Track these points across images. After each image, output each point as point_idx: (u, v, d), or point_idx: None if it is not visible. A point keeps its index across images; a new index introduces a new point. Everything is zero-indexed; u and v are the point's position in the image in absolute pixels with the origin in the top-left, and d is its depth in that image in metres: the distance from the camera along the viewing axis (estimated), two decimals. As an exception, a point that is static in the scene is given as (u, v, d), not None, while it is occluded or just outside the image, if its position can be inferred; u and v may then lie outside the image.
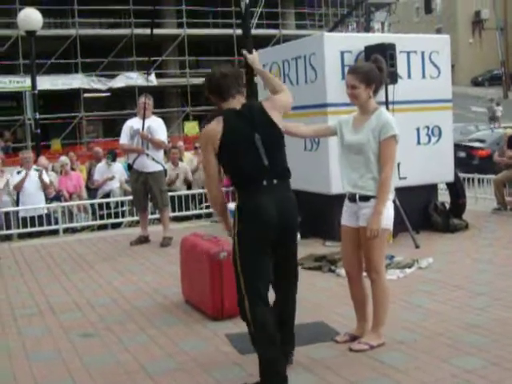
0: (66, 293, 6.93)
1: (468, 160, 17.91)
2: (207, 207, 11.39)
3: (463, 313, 5.54)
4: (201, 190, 11.95)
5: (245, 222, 4.16)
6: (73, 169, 13.74)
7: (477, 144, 19.35)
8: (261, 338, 4.11)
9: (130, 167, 9.56)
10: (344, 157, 4.94)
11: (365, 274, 4.95)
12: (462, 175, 10.88)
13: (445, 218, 9.17)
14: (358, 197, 4.80)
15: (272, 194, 4.20)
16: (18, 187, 11.14)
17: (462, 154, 18.00)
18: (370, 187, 4.74)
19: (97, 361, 4.85)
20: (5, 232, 10.82)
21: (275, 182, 4.25)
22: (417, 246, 8.16)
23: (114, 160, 12.99)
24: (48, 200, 11.64)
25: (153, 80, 31.83)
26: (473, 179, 12.23)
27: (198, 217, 11.94)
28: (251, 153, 4.21)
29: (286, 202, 4.29)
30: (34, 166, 11.60)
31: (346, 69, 7.94)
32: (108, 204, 11.85)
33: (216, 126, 4.22)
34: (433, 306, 5.77)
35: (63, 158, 13.75)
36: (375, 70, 4.82)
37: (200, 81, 30.09)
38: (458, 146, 17.74)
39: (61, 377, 4.57)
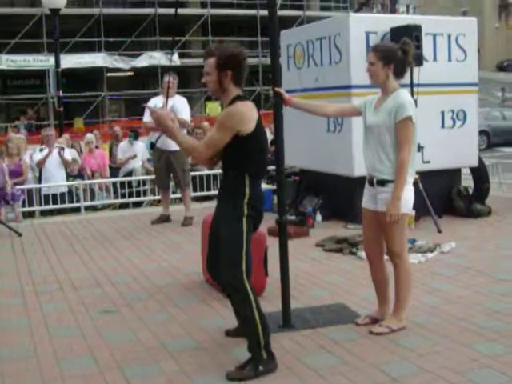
0: (87, 270, 6.97)
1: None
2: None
3: (485, 298, 5.49)
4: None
5: (252, 209, 4.21)
6: (97, 147, 13.75)
7: None
8: (258, 307, 4.18)
9: (152, 146, 9.56)
10: (365, 138, 4.90)
11: (387, 257, 4.93)
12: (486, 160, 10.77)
13: (468, 202, 9.09)
14: (375, 181, 4.76)
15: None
16: (41, 164, 11.20)
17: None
18: (387, 171, 4.68)
19: (117, 337, 4.87)
20: (27, 209, 10.89)
21: None
22: (439, 231, 8.10)
23: (136, 139, 13.00)
24: (71, 177, 11.69)
25: (176, 60, 31.83)
26: (497, 164, 12.12)
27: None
28: (267, 146, 4.44)
29: None
30: (56, 143, 11.65)
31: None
32: (130, 183, 11.89)
33: (253, 111, 4.19)
34: (454, 291, 5.73)
35: (89, 136, 13.76)
36: (397, 51, 4.74)
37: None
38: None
39: (81, 352, 4.60)
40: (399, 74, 4.81)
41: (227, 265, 4.17)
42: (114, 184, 11.98)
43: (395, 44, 4.85)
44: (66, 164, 11.38)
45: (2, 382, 4.17)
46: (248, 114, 4.15)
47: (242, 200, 4.17)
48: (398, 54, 4.74)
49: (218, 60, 4.16)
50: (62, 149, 11.45)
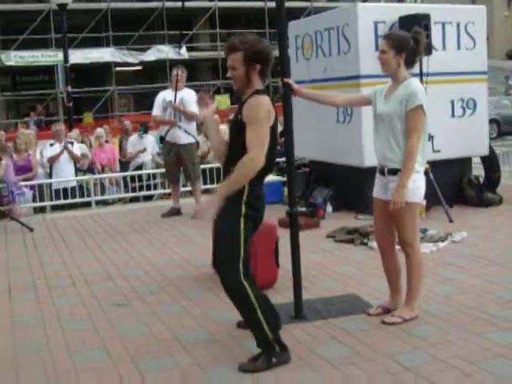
0: (98, 264, 6.99)
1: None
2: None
3: (497, 287, 5.48)
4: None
5: (251, 208, 4.10)
6: (107, 141, 13.77)
7: None
8: (265, 301, 4.14)
9: (162, 139, 9.57)
10: (375, 127, 4.89)
11: (398, 247, 4.91)
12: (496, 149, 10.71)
13: (478, 191, 9.06)
14: (386, 170, 4.74)
15: None
16: (53, 160, 11.21)
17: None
18: (398, 160, 4.67)
19: (130, 330, 4.89)
20: (38, 204, 10.93)
21: None
22: (450, 220, 8.07)
23: (145, 132, 13.02)
24: (81, 172, 11.71)
25: (184, 53, 31.80)
26: (508, 153, 12.06)
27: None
28: (277, 144, 4.28)
29: None
30: (67, 139, 11.67)
31: (380, 40, 7.87)
32: (140, 176, 11.90)
33: (271, 107, 4.09)
34: (466, 281, 5.72)
35: (99, 130, 13.80)
36: (409, 40, 4.73)
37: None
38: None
39: (94, 346, 4.62)
40: (410, 63, 4.80)
41: (224, 264, 4.11)
42: (125, 178, 12.01)
43: (406, 33, 4.83)
44: (74, 159, 11.39)
45: (15, 375, 4.20)
46: (270, 108, 4.07)
47: (240, 198, 4.05)
48: (410, 42, 4.72)
49: (246, 54, 4.07)
50: (71, 143, 11.47)
